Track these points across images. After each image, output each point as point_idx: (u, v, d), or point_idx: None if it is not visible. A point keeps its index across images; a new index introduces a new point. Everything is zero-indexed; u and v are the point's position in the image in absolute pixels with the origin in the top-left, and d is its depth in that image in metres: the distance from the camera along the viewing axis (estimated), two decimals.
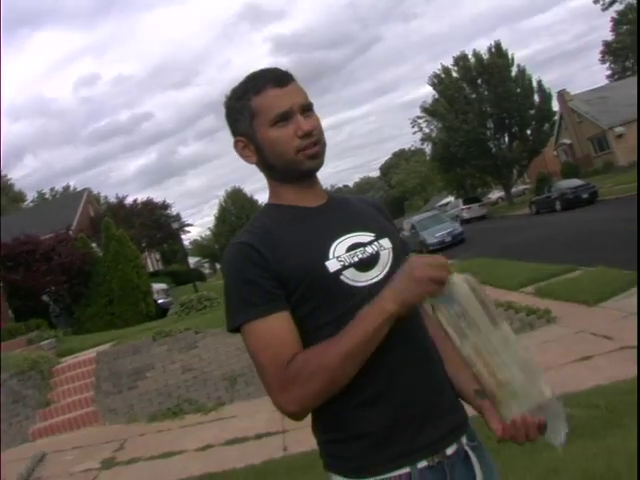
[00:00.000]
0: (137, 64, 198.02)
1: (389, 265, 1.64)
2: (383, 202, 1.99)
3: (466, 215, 44.29)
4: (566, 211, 29.07)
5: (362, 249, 1.62)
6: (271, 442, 6.75)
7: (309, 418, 1.62)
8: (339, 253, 1.59)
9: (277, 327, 1.53)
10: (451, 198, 59.99)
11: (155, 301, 21.99)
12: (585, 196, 29.33)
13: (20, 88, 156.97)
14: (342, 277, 1.57)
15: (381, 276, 1.61)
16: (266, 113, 1.61)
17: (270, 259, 1.55)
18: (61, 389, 10.71)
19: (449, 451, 1.58)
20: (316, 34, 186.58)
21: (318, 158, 1.66)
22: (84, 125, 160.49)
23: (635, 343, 7.02)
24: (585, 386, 5.94)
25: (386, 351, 1.53)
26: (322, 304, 1.56)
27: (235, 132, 1.70)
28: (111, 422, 9.65)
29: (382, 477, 1.52)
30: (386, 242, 1.68)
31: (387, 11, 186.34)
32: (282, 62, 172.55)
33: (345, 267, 1.57)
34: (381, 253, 1.64)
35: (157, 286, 23.63)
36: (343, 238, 1.62)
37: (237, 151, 1.71)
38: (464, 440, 1.63)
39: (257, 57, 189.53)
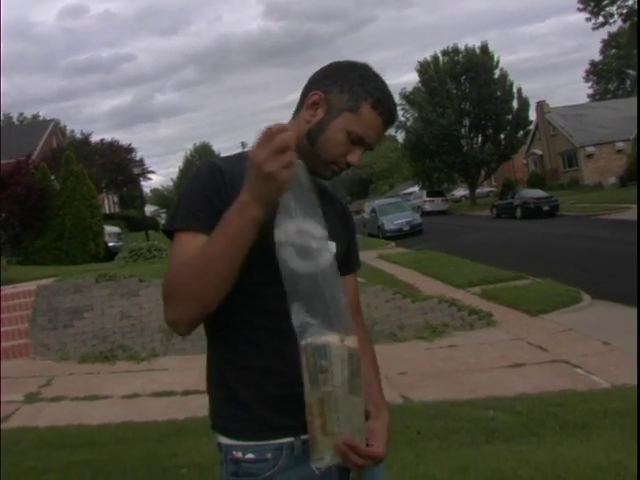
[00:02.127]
0: (127, 3, 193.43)
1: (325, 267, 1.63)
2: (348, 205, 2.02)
3: (428, 207, 44.54)
4: (525, 220, 29.44)
5: (309, 239, 1.60)
6: (197, 400, 6.72)
7: None
8: (289, 229, 1.57)
9: None
10: (416, 188, 60.26)
11: (106, 243, 21.76)
12: (546, 208, 29.73)
13: (2, 8, 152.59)
14: (280, 250, 1.56)
15: (311, 271, 1.58)
16: (357, 124, 1.62)
17: (230, 194, 1.54)
18: None
19: None
20: (310, 4, 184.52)
21: (335, 176, 1.71)
22: (63, 56, 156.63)
23: (568, 358, 7.21)
24: (512, 392, 6.06)
25: (282, 331, 1.55)
26: (251, 263, 1.54)
27: (325, 88, 1.65)
28: (42, 357, 9.55)
29: (265, 442, 1.57)
30: (332, 246, 1.66)
31: None
32: (272, 27, 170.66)
33: (287, 244, 1.56)
34: (323, 253, 1.61)
35: (110, 229, 23.36)
36: (300, 220, 1.60)
37: (308, 99, 1.66)
38: None
39: (248, 18, 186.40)
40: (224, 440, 1.62)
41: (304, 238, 1.59)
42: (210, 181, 1.59)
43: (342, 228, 1.80)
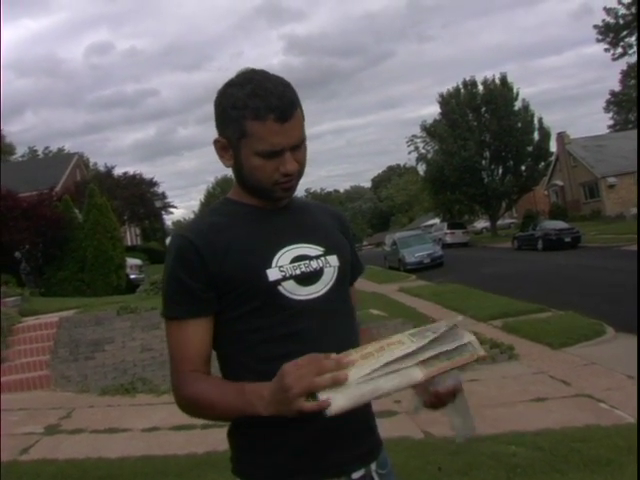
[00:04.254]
0: (152, 40, 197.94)
1: (332, 283, 1.64)
2: (348, 216, 1.98)
3: (449, 240, 44.40)
4: (547, 251, 29.25)
5: (307, 262, 1.61)
6: (217, 434, 6.68)
7: None
8: (282, 263, 1.59)
9: (190, 333, 1.59)
10: (436, 220, 60.17)
11: (127, 275, 21.84)
12: (568, 240, 29.56)
13: (32, 45, 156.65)
14: (280, 287, 1.57)
15: (320, 293, 1.61)
16: (256, 143, 1.55)
17: (208, 259, 1.56)
18: (18, 348, 10.61)
19: (355, 475, 1.60)
20: (330, 40, 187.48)
21: (292, 190, 1.66)
22: (89, 91, 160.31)
23: (591, 392, 7.11)
24: (534, 427, 5.97)
25: None
26: (256, 310, 1.57)
27: (219, 131, 1.64)
28: (62, 389, 9.57)
29: None
30: (333, 259, 1.66)
31: (403, 29, 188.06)
32: (293, 62, 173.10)
33: (285, 278, 1.57)
34: (325, 270, 1.63)
35: (132, 261, 23.47)
36: (290, 247, 1.62)
37: (215, 148, 1.66)
38: (373, 466, 1.65)
39: (270, 53, 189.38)
40: None
41: (301, 265, 1.60)
42: (182, 261, 1.59)
43: (343, 235, 1.78)
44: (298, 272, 1.59)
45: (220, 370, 1.67)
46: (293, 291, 1.58)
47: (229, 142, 1.60)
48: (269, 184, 1.60)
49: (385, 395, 1.37)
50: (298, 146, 1.59)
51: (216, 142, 1.64)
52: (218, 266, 1.56)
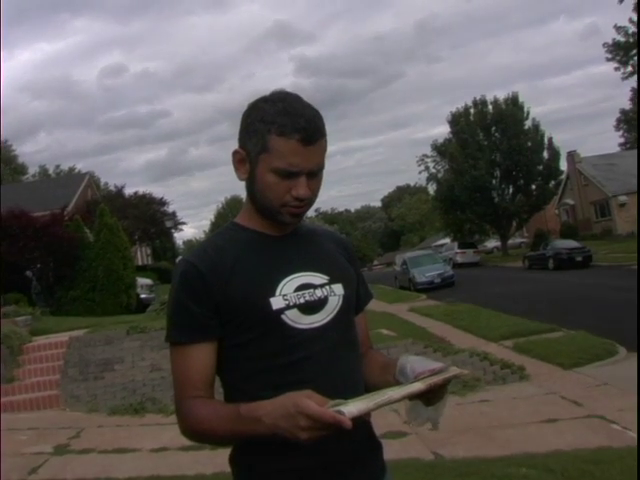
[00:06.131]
0: (164, 63, 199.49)
1: (335, 312, 1.63)
2: (352, 242, 1.97)
3: (459, 259, 44.21)
4: (558, 271, 29.12)
5: (311, 291, 1.61)
6: (225, 454, 6.64)
7: None
8: (286, 291, 1.58)
9: (193, 358, 1.57)
10: (447, 240, 60.05)
11: (138, 295, 21.88)
12: (579, 259, 29.45)
13: (48, 68, 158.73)
14: (283, 316, 1.56)
15: (324, 321, 1.60)
16: (275, 159, 1.54)
17: (212, 285, 1.56)
18: (28, 367, 10.64)
19: None
20: (340, 61, 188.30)
21: (300, 217, 1.65)
22: (102, 112, 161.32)
23: (604, 413, 7.03)
24: (545, 448, 5.92)
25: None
26: (259, 338, 1.56)
27: (241, 143, 1.64)
28: (72, 409, 9.56)
29: None
30: (338, 288, 1.65)
31: (412, 50, 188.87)
32: (303, 84, 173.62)
33: (289, 307, 1.57)
34: (330, 299, 1.63)
35: (142, 280, 23.53)
36: (295, 275, 1.61)
37: (232, 159, 1.65)
38: None
39: (280, 75, 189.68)
40: None
41: (305, 294, 1.59)
42: (186, 286, 1.59)
43: (347, 262, 1.77)
44: (302, 301, 1.58)
45: (223, 396, 1.67)
46: (296, 320, 1.57)
47: (248, 155, 1.61)
48: (278, 205, 1.59)
49: (394, 402, 1.40)
50: (315, 174, 1.59)
51: (235, 153, 1.64)
52: (222, 293, 1.55)
